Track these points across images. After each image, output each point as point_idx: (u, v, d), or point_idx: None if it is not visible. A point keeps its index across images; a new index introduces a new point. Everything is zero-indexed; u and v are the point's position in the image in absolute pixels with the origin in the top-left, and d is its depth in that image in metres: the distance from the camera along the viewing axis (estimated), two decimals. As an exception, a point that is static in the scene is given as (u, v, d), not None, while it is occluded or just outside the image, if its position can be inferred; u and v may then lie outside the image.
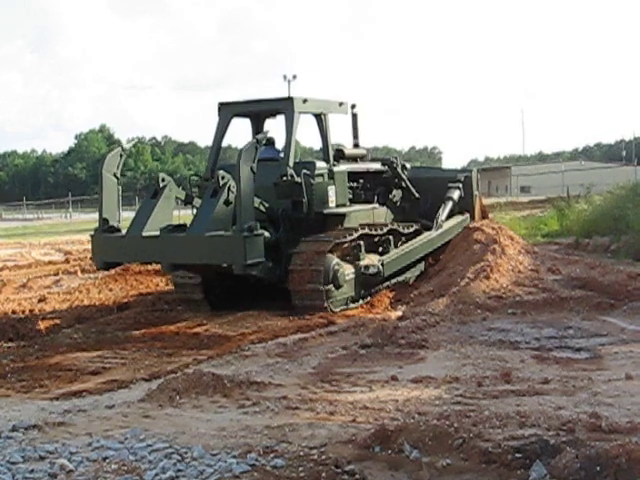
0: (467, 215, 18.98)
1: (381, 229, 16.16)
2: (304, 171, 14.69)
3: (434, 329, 11.43)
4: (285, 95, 15.48)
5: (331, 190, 15.38)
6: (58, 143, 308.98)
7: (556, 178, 62.02)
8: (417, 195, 18.32)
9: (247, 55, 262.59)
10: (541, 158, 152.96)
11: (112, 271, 17.32)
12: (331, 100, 16.57)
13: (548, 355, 9.77)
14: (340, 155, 17.04)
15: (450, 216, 18.32)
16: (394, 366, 9.44)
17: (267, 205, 14.46)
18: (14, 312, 14.97)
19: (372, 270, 15.14)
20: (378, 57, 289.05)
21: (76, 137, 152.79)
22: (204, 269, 14.07)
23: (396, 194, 18.23)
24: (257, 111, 16.38)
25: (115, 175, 14.42)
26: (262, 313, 13.81)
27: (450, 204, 18.33)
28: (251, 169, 13.00)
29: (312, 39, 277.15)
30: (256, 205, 13.93)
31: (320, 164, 15.57)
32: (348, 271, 14.74)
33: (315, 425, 6.85)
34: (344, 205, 15.88)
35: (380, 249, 16.11)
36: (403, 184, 18.12)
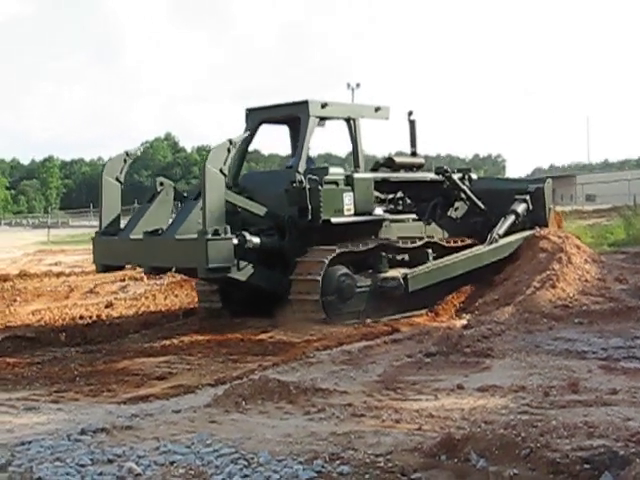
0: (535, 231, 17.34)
1: (413, 242, 15.46)
2: (310, 177, 14.26)
3: (500, 338, 11.33)
4: (302, 99, 15.04)
5: (347, 197, 14.61)
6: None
7: (622, 186, 61.05)
8: (483, 208, 17.44)
9: (305, 65, 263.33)
10: (607, 166, 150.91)
11: (178, 277, 17.51)
12: (363, 105, 16.21)
13: (616, 365, 9.62)
14: (390, 164, 16.77)
15: (516, 231, 17.06)
16: (459, 375, 9.38)
17: (272, 212, 14.25)
18: (82, 317, 15.22)
19: (391, 284, 14.46)
20: (440, 64, 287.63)
21: (142, 145, 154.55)
22: (188, 273, 14.45)
23: (459, 207, 17.56)
24: (283, 116, 15.91)
25: (117, 179, 14.52)
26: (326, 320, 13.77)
27: (512, 218, 17.11)
28: (220, 171, 12.83)
29: (371, 48, 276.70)
30: (257, 211, 14.15)
31: (334, 170, 15.11)
32: (361, 283, 14.27)
33: (381, 433, 6.83)
34: (368, 213, 15.10)
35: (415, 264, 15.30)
36: (463, 195, 17.35)
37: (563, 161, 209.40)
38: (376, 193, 15.58)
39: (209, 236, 12.49)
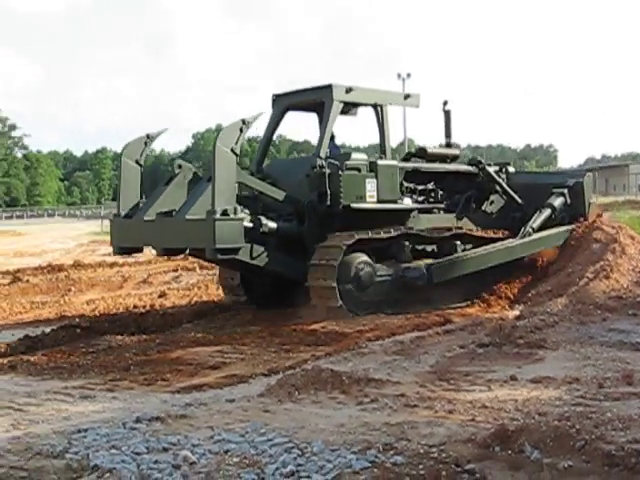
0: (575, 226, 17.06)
1: (439, 232, 15.24)
2: (330, 161, 14.10)
3: (553, 329, 11.26)
4: (326, 83, 14.78)
5: (370, 184, 14.38)
6: (174, 142, 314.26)
7: (676, 176, 60.39)
8: (520, 202, 17.18)
9: (352, 55, 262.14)
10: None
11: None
12: (392, 91, 15.95)
13: (671, 357, 9.54)
14: (422, 154, 16.49)
15: (552, 226, 16.73)
16: (512, 366, 9.34)
17: (292, 197, 14.10)
18: (135, 307, 15.39)
19: (413, 274, 14.16)
20: (493, 54, 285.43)
21: (193, 136, 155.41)
22: (200, 256, 14.24)
23: (495, 201, 17.28)
24: (308, 102, 15.60)
25: (137, 162, 14.53)
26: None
27: (547, 212, 16.76)
28: (232, 150, 12.67)
29: (418, 39, 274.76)
30: (276, 196, 14.01)
31: (356, 156, 14.95)
32: (382, 272, 14.03)
33: (434, 423, 6.83)
34: (393, 201, 14.83)
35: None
36: (499, 189, 17.11)
37: (616, 150, 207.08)
38: (406, 183, 15.48)
39: (217, 216, 12.39)
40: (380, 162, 14.75)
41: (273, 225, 13.67)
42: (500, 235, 16.22)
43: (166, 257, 17.38)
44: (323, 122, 14.66)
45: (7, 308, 16.22)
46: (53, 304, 16.61)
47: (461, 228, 15.73)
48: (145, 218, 13.69)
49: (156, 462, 6.03)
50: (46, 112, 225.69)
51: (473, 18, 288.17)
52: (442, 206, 16.20)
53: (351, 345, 11.01)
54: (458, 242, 15.37)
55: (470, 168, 16.94)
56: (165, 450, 6.33)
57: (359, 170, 14.40)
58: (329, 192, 13.81)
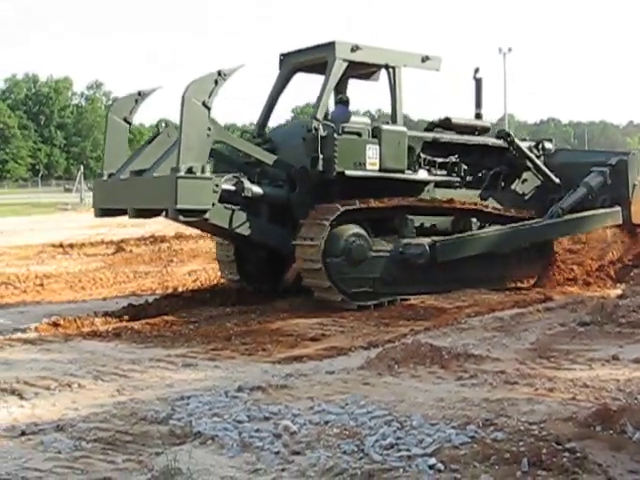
0: (617, 209, 15.38)
1: (444, 205, 13.82)
2: (326, 123, 12.85)
3: (656, 309, 11.06)
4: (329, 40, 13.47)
5: (371, 150, 13.03)
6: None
7: None
8: (557, 181, 15.59)
9: (451, 29, 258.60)
10: None
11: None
12: (407, 52, 14.22)
13: None
14: (446, 124, 15.13)
15: (589, 208, 15.09)
16: (614, 345, 9.22)
17: (284, 162, 13.07)
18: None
19: (414, 250, 12.87)
20: (594, 30, 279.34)
21: (292, 111, 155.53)
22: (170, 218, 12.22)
23: (528, 179, 15.74)
24: (314, 62, 14.02)
25: (126, 120, 13.53)
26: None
27: (582, 191, 15.04)
28: (203, 103, 11.59)
29: (523, 12, 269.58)
30: (265, 159, 13.02)
31: (357, 119, 13.67)
32: (378, 247, 12.78)
33: (534, 401, 6.78)
34: (399, 171, 13.42)
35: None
36: (531, 165, 15.57)
37: None
38: (424, 155, 14.19)
39: (181, 174, 11.31)
40: (385, 127, 13.48)
41: (258, 190, 12.72)
42: (525, 215, 14.73)
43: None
44: (324, 81, 13.27)
45: (111, 277, 16.58)
46: (155, 274, 16.92)
47: (475, 204, 14.30)
48: (120, 177, 12.83)
49: (257, 430, 6.13)
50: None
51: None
52: (456, 179, 14.61)
53: (450, 320, 11.03)
54: (474, 219, 14.13)
55: (498, 142, 15.38)
56: (266, 419, 6.43)
57: (359, 134, 13.16)
58: (321, 156, 12.63)
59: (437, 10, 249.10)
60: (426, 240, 13.09)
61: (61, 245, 22.69)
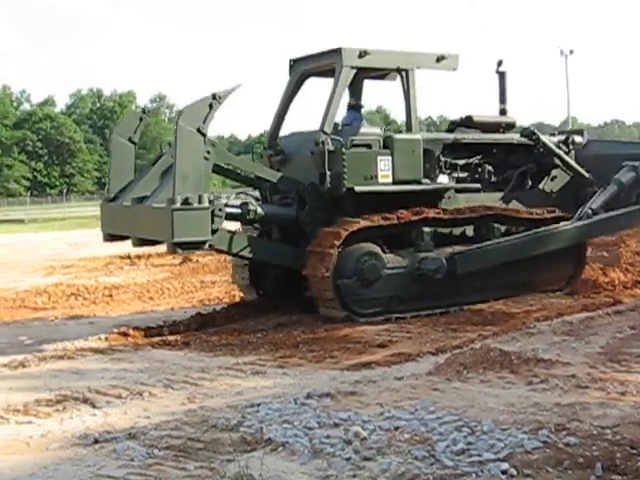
0: None
1: (471, 212, 12.95)
2: (334, 137, 12.18)
3: None
4: (336, 46, 12.75)
5: (383, 162, 12.34)
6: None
7: None
8: (588, 177, 14.47)
9: (512, 29, 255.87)
10: None
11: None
12: (420, 52, 13.34)
13: None
14: (468, 123, 14.37)
15: (623, 206, 13.93)
16: (687, 348, 9.08)
17: (292, 178, 12.59)
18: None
19: (430, 265, 12.14)
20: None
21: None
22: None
23: (557, 176, 14.61)
24: (324, 68, 13.31)
25: (131, 139, 13.03)
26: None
27: (612, 189, 13.96)
28: (198, 130, 11.11)
29: (582, 15, 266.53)
30: (269, 177, 12.59)
31: (366, 129, 12.98)
32: (393, 264, 12.11)
33: (606, 405, 6.72)
34: (415, 182, 12.67)
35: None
36: (558, 162, 14.47)
37: None
38: (444, 158, 13.39)
39: (177, 205, 10.84)
40: (397, 136, 12.76)
41: (261, 211, 12.25)
42: (553, 215, 13.73)
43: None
44: (331, 90, 12.56)
45: (178, 287, 16.70)
46: (222, 283, 17.00)
47: (490, 208, 13.24)
48: (123, 203, 12.44)
49: (328, 437, 6.15)
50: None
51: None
52: (474, 185, 13.60)
53: (519, 325, 10.94)
54: (497, 225, 13.24)
55: (523, 139, 14.28)
56: (336, 425, 6.45)
57: (369, 146, 12.51)
58: (329, 173, 12.03)
59: (497, 12, 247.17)
60: (444, 252, 12.41)
61: (128, 256, 22.91)
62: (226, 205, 11.89)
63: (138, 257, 22.84)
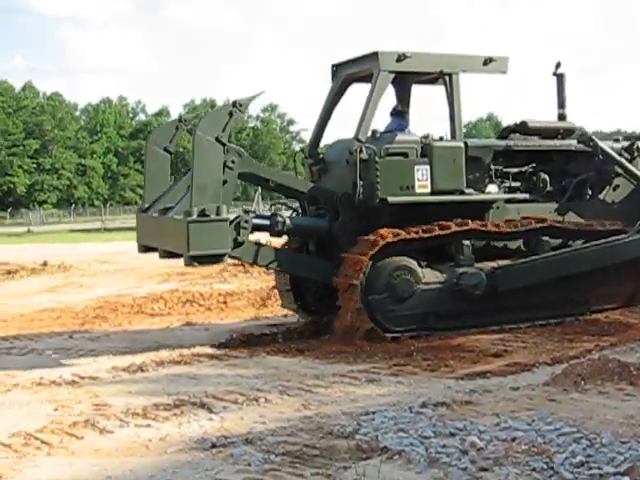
0: None
1: (515, 226, 12.07)
2: (368, 145, 11.65)
3: None
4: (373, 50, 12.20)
5: (421, 172, 11.70)
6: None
7: None
8: None
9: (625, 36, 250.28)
10: None
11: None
12: (464, 55, 12.68)
13: None
14: (522, 129, 13.38)
15: None
16: None
17: (325, 188, 12.17)
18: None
19: (469, 280, 11.45)
20: None
21: (465, 126, 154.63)
22: None
23: (621, 185, 13.52)
24: (365, 73, 12.57)
25: (167, 149, 12.64)
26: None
27: None
28: (217, 140, 10.78)
29: None
30: (299, 187, 12.16)
31: (403, 137, 12.22)
32: (429, 279, 11.45)
33: None
34: (457, 192, 12.00)
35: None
36: (621, 169, 13.33)
37: None
38: (495, 166, 12.71)
39: (193, 218, 10.49)
40: (436, 144, 12.08)
41: (289, 223, 11.86)
42: (612, 227, 12.70)
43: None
44: (367, 97, 12.06)
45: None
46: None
47: (541, 220, 12.36)
48: (153, 214, 12.18)
49: (444, 446, 6.13)
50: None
51: None
52: (523, 196, 12.81)
53: (637, 335, 10.75)
54: (546, 238, 12.34)
55: (578, 145, 13.23)
56: (452, 435, 6.43)
57: (405, 155, 11.93)
58: (361, 182, 11.49)
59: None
60: (486, 267, 11.69)
61: (242, 264, 23.14)
62: (255, 216, 11.76)
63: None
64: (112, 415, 7.71)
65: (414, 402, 7.58)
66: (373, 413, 7.20)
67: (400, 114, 12.99)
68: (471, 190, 12.16)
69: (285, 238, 12.97)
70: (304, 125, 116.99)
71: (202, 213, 10.52)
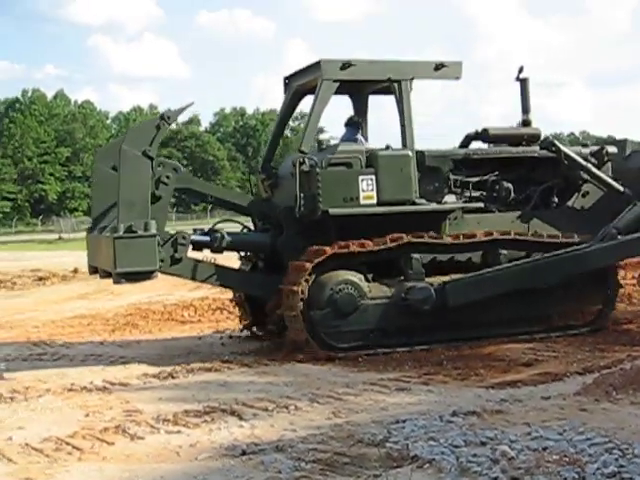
0: None
1: (469, 237, 11.50)
2: (309, 157, 11.26)
3: None
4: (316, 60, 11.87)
5: (366, 182, 11.22)
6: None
7: None
8: (622, 190, 12.64)
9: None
10: None
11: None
12: (414, 61, 12.31)
13: None
14: (483, 136, 12.92)
15: None
16: None
17: (269, 203, 12.10)
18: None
19: (417, 295, 10.98)
20: None
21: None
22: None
23: (590, 192, 12.85)
24: (312, 84, 12.09)
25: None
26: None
27: None
28: (144, 153, 10.48)
29: None
30: (239, 201, 12.17)
31: (346, 147, 11.82)
32: (375, 294, 11.03)
33: None
34: (406, 202, 11.43)
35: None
36: (587, 175, 12.71)
37: None
38: (454, 176, 12.27)
39: (119, 234, 10.16)
40: (381, 153, 11.55)
41: (229, 239, 11.60)
42: (573, 238, 11.95)
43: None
44: (311, 106, 11.73)
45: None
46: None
47: (509, 232, 11.76)
48: (95, 233, 11.73)
49: (474, 455, 6.10)
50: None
51: None
52: (477, 204, 12.21)
53: (669, 345, 10.64)
54: (504, 251, 11.66)
55: (543, 152, 12.72)
56: (483, 444, 6.39)
57: (349, 165, 11.46)
58: (302, 195, 11.06)
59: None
60: (436, 281, 11.18)
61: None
62: (195, 233, 11.64)
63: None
64: (143, 421, 7.74)
65: (444, 411, 7.55)
66: (403, 421, 7.17)
67: (355, 124, 12.70)
68: (423, 200, 11.67)
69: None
70: (333, 134, 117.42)
71: (129, 229, 10.26)
